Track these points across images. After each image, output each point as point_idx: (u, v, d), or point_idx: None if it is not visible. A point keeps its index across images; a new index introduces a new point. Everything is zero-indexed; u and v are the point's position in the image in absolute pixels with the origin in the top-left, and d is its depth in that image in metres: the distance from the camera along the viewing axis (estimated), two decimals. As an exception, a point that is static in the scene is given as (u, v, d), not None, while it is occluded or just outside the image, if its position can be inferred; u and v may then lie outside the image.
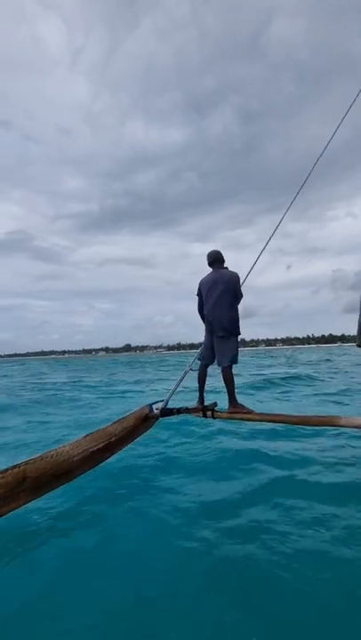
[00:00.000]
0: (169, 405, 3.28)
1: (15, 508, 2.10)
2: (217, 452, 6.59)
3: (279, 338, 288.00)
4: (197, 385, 3.82)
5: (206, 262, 3.89)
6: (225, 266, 3.86)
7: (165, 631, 2.69)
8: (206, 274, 3.85)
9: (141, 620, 2.82)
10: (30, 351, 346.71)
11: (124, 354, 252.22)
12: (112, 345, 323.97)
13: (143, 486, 5.20)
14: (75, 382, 23.33)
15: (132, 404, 9.89)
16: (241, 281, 3.80)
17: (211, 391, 4.22)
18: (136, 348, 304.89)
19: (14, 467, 2.14)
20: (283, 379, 19.15)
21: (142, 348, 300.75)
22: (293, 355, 64.70)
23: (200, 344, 3.91)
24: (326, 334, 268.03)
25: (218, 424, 7.48)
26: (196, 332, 4.10)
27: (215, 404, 3.51)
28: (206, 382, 3.86)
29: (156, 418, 3.14)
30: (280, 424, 3.50)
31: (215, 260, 3.84)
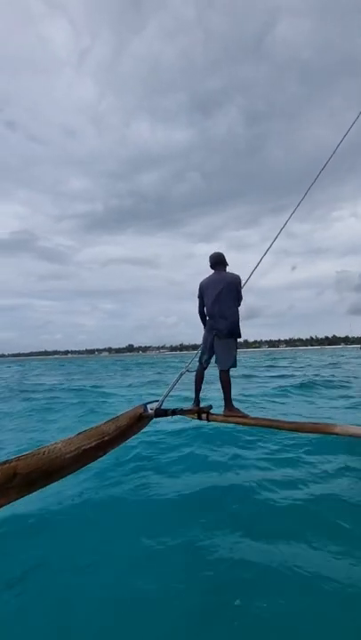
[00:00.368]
0: (164, 406, 3.28)
1: (4, 505, 2.10)
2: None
3: (282, 339, 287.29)
4: (194, 387, 3.82)
5: (209, 264, 3.89)
6: (226, 268, 3.87)
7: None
8: (207, 275, 3.87)
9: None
10: (34, 351, 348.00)
11: (127, 354, 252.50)
12: (115, 345, 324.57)
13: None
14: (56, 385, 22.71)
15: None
16: (242, 283, 3.81)
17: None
18: (139, 349, 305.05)
19: (4, 463, 2.14)
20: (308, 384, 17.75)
21: (145, 349, 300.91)
22: (297, 355, 64.35)
23: None
24: (330, 335, 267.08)
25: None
26: (198, 333, 4.15)
27: (210, 407, 3.52)
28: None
29: (150, 418, 3.13)
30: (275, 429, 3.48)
31: (218, 262, 3.85)
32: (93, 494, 4.89)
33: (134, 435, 3.08)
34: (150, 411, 3.13)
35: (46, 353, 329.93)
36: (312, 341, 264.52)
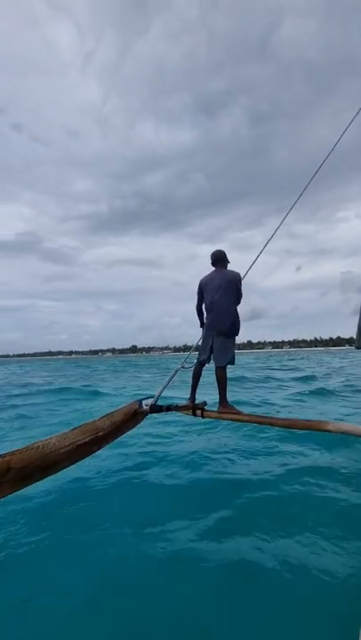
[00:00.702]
0: (158, 402, 3.30)
1: (-2, 498, 2.13)
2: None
3: (286, 340, 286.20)
4: (191, 383, 3.83)
5: (210, 262, 3.91)
6: (227, 266, 3.90)
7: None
8: (208, 273, 3.89)
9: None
10: (38, 351, 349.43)
11: (131, 355, 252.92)
12: (118, 346, 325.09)
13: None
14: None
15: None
16: (241, 279, 3.81)
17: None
18: (142, 350, 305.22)
19: (-2, 457, 2.17)
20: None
21: (148, 350, 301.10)
22: (311, 357, 63.23)
23: None
24: (334, 337, 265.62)
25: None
26: (200, 332, 4.13)
27: (205, 403, 3.54)
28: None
29: (145, 414, 3.15)
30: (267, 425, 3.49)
31: (219, 259, 3.87)
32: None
33: (129, 430, 3.11)
34: (145, 407, 3.16)
35: (51, 353, 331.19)
36: (316, 342, 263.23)
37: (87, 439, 2.71)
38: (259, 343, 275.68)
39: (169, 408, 3.30)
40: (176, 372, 3.53)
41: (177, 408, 3.42)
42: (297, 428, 3.27)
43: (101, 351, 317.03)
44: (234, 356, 3.70)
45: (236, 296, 3.74)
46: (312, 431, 3.12)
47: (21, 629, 2.72)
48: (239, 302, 3.79)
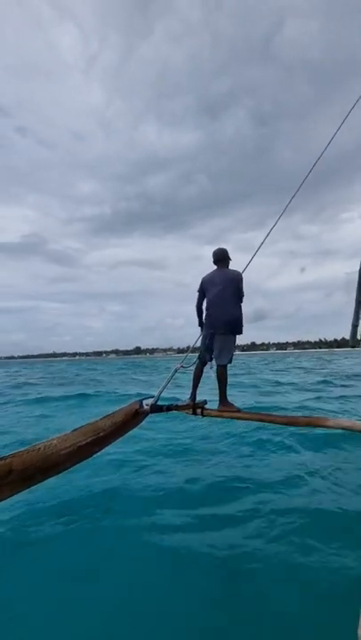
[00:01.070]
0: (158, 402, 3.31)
1: (0, 501, 2.15)
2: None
3: (290, 341, 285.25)
4: (192, 382, 3.84)
5: (212, 260, 3.91)
6: (229, 265, 3.90)
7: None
8: (210, 271, 3.89)
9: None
10: (42, 353, 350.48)
11: (134, 356, 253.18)
12: (122, 347, 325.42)
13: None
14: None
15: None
16: (243, 279, 3.82)
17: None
18: (146, 351, 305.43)
19: (0, 459, 2.19)
20: None
21: (152, 351, 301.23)
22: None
23: None
24: (339, 338, 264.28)
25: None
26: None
27: (205, 402, 3.54)
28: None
29: (145, 414, 3.16)
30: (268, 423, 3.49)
31: (220, 258, 3.88)
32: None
33: (130, 431, 3.12)
34: (146, 406, 3.17)
35: (55, 355, 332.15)
36: (321, 344, 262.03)
37: (88, 440, 2.73)
38: (263, 344, 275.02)
39: (169, 408, 3.31)
40: (175, 371, 3.54)
41: (177, 407, 3.43)
42: (298, 424, 3.28)
43: (105, 352, 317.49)
44: (232, 355, 3.71)
45: (238, 295, 3.75)
46: (313, 427, 3.12)
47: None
48: (241, 301, 3.81)
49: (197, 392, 3.73)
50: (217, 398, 3.66)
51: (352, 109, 3.97)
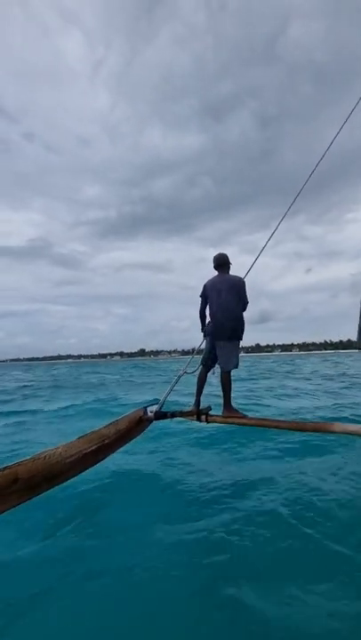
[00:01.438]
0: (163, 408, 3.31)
1: (5, 510, 2.16)
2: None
3: (295, 343, 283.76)
4: (195, 388, 3.84)
5: (213, 265, 3.91)
6: (230, 271, 3.90)
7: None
8: (212, 277, 3.90)
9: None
10: (48, 355, 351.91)
11: (139, 358, 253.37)
12: (127, 349, 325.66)
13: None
14: None
15: None
16: (245, 285, 3.81)
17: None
18: (150, 353, 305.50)
19: (5, 468, 2.20)
20: None
21: (157, 353, 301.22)
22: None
23: None
24: (345, 339, 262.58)
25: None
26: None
27: (209, 408, 3.53)
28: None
29: (150, 421, 3.17)
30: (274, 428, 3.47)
31: (221, 263, 3.88)
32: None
33: (135, 438, 3.12)
34: (150, 413, 3.17)
35: (60, 357, 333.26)
36: (326, 345, 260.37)
37: (93, 447, 2.73)
38: (268, 346, 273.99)
39: (173, 414, 3.31)
40: (179, 377, 3.53)
41: (182, 414, 3.43)
42: (305, 430, 3.25)
43: (110, 355, 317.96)
44: (238, 361, 3.71)
45: (241, 301, 3.75)
46: (319, 433, 3.10)
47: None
48: (245, 308, 3.80)
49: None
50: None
51: (353, 110, 3.95)
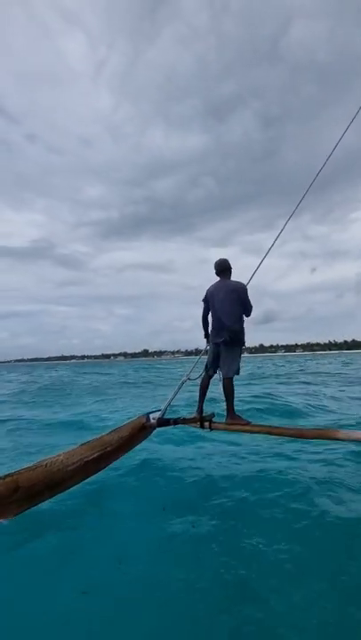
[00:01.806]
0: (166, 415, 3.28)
1: (6, 519, 2.13)
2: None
3: (299, 343, 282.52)
4: (198, 395, 3.80)
5: (214, 271, 3.88)
6: (231, 275, 3.86)
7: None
8: (214, 282, 3.87)
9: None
10: (51, 356, 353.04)
11: (142, 359, 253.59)
12: (130, 350, 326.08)
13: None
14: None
15: None
16: (248, 288, 3.78)
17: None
18: (153, 353, 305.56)
19: (6, 476, 2.17)
20: None
21: (160, 353, 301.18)
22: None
23: None
24: (349, 340, 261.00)
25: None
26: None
27: (213, 415, 3.50)
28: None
29: (152, 428, 3.14)
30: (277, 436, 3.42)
31: (223, 269, 3.85)
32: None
33: (137, 445, 3.09)
34: (153, 420, 3.14)
35: (64, 357, 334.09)
36: (331, 346, 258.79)
37: (95, 455, 2.68)
38: (271, 347, 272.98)
39: (176, 421, 3.28)
40: (182, 384, 3.51)
41: (184, 421, 3.40)
42: (308, 437, 3.21)
43: (113, 355, 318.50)
44: (239, 367, 3.68)
45: (243, 306, 3.72)
46: (323, 440, 3.06)
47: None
48: (248, 314, 3.77)
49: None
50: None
51: (359, 111, 3.92)
